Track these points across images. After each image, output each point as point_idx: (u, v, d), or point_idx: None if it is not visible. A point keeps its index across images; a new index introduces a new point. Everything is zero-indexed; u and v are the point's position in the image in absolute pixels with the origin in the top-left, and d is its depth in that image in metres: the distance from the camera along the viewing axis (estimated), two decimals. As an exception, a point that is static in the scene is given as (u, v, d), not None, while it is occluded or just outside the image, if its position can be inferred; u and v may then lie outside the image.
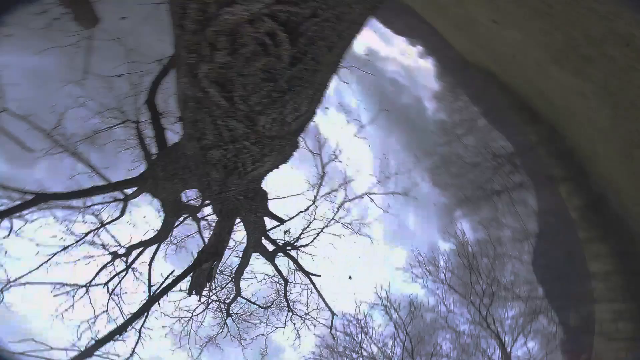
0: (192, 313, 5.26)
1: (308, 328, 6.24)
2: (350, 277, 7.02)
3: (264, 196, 4.51)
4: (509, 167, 15.58)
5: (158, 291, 4.66)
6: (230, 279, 5.59)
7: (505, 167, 15.61)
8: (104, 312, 4.75)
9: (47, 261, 4.51)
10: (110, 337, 3.88)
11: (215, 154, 2.28)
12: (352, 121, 7.63)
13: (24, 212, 4.33)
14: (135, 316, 4.19)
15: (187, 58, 1.49)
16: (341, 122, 7.42)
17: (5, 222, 4.23)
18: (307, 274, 5.95)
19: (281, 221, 5.47)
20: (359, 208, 7.10)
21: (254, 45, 1.31)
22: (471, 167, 16.67)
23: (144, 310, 4.33)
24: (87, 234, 4.69)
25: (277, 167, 3.28)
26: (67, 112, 5.23)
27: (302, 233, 6.38)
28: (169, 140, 4.37)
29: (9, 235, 4.35)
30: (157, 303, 4.48)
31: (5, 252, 4.50)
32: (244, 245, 5.38)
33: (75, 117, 5.43)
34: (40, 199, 4.05)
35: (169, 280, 4.51)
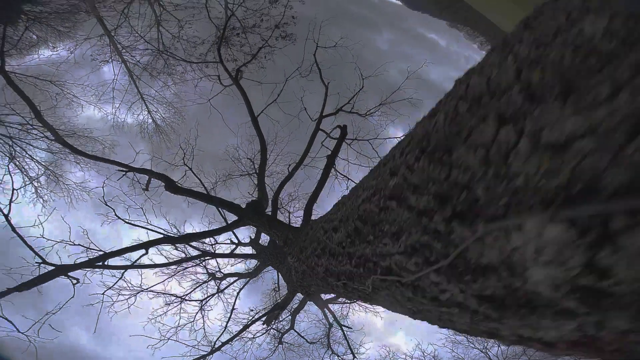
0: (253, 335, 6.92)
1: (343, 367, 7.54)
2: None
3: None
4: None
5: (248, 323, 6.73)
6: (288, 313, 7.34)
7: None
8: (190, 322, 6.50)
9: (171, 277, 6.45)
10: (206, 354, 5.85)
11: (294, 278, 4.50)
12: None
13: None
14: (227, 340, 6.19)
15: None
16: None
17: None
18: (340, 325, 7.40)
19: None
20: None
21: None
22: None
23: (235, 336, 6.31)
24: (202, 260, 6.83)
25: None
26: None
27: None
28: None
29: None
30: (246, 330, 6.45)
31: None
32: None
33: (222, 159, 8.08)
34: (186, 239, 6.20)
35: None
